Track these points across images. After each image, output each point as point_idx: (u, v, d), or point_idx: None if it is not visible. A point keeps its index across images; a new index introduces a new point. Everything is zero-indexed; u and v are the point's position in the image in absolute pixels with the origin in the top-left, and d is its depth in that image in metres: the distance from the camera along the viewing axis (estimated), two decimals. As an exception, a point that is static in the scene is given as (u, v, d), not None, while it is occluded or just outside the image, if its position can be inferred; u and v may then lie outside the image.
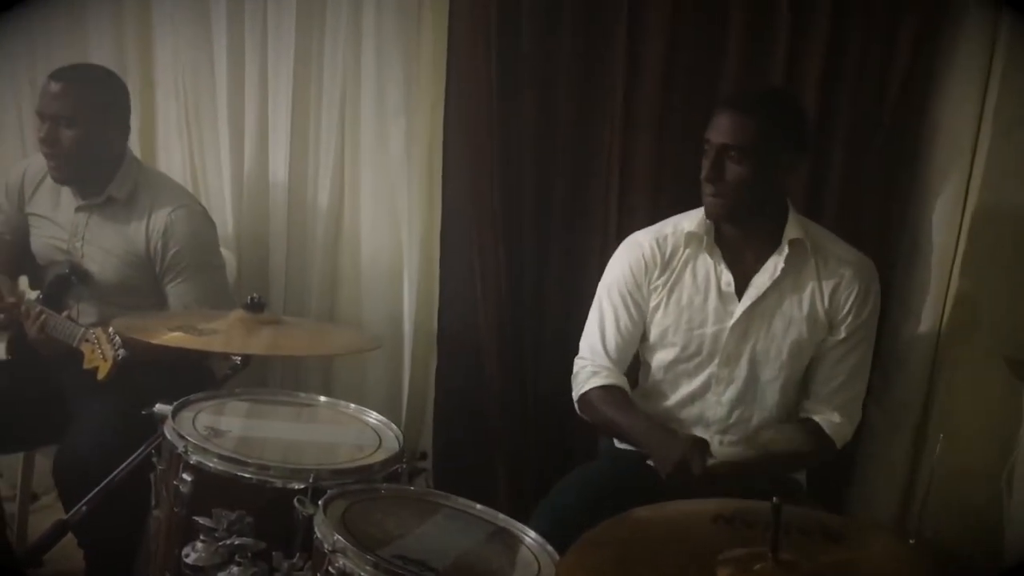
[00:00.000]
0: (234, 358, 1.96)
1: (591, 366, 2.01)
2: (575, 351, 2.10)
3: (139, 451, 1.71)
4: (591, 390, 1.98)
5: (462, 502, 1.56)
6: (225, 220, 2.66)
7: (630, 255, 2.01)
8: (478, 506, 1.55)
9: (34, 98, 2.71)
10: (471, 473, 2.54)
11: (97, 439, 2.07)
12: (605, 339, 2.01)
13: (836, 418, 1.92)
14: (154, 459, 1.80)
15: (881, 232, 2.18)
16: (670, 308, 1.96)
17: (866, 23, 2.11)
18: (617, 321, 2.01)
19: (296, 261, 2.70)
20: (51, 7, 2.74)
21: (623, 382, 2.00)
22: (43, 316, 2.13)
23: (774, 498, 1.16)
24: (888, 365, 2.17)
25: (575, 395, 2.03)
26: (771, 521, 1.15)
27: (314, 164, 2.65)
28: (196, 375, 2.35)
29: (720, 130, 1.83)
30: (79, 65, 2.35)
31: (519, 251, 2.47)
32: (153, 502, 1.76)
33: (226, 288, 2.45)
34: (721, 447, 1.91)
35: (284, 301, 2.69)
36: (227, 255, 2.54)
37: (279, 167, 2.66)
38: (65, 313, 2.19)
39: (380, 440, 1.73)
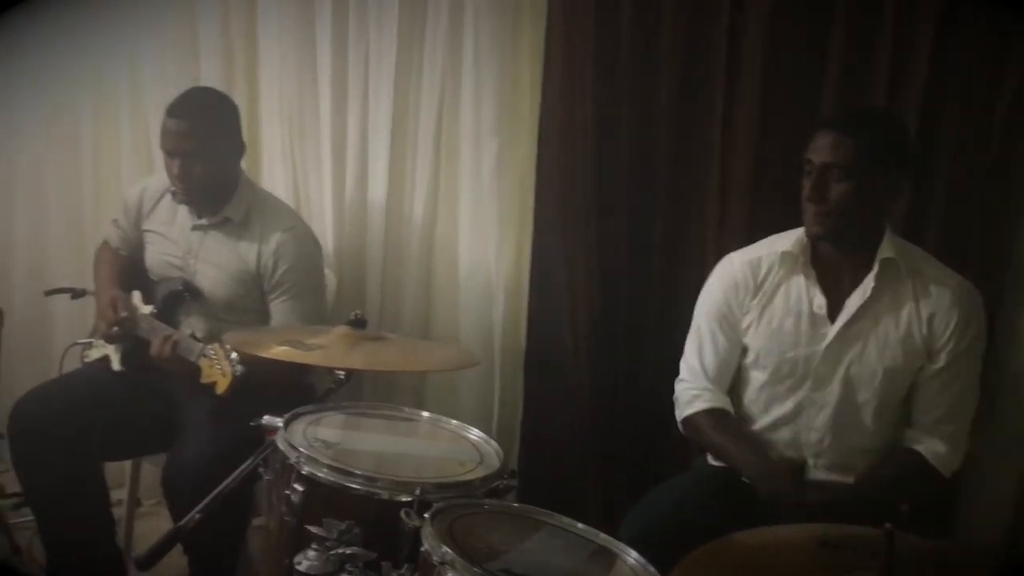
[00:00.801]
0: (338, 373, 2.01)
1: (693, 388, 2.03)
2: (666, 371, 2.11)
3: (250, 461, 1.77)
4: (695, 414, 2.00)
5: (564, 520, 1.58)
6: (325, 239, 2.74)
7: (724, 276, 2.02)
8: (579, 525, 1.57)
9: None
10: (559, 491, 2.56)
11: (205, 449, 2.15)
12: (704, 361, 2.02)
13: (941, 448, 1.88)
14: (260, 469, 1.87)
15: (987, 257, 2.14)
16: (761, 330, 1.96)
17: (971, 43, 2.08)
18: (715, 343, 2.02)
19: (392, 278, 2.76)
20: (164, 34, 2.87)
21: (725, 403, 2.01)
22: (174, 337, 2.22)
23: (887, 524, 1.15)
24: (996, 394, 2.11)
25: (679, 417, 2.05)
26: (882, 548, 1.14)
27: (411, 184, 2.72)
28: (297, 389, 2.44)
29: (822, 150, 1.82)
30: (193, 93, 2.43)
31: (611, 270, 2.49)
32: (262, 511, 1.82)
33: (325, 307, 2.53)
34: (815, 471, 1.90)
35: (380, 317, 2.75)
36: (327, 273, 2.62)
37: (378, 187, 2.73)
38: (190, 332, 2.27)
39: (481, 456, 1.76)
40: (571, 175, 2.47)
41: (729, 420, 1.99)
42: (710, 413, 1.99)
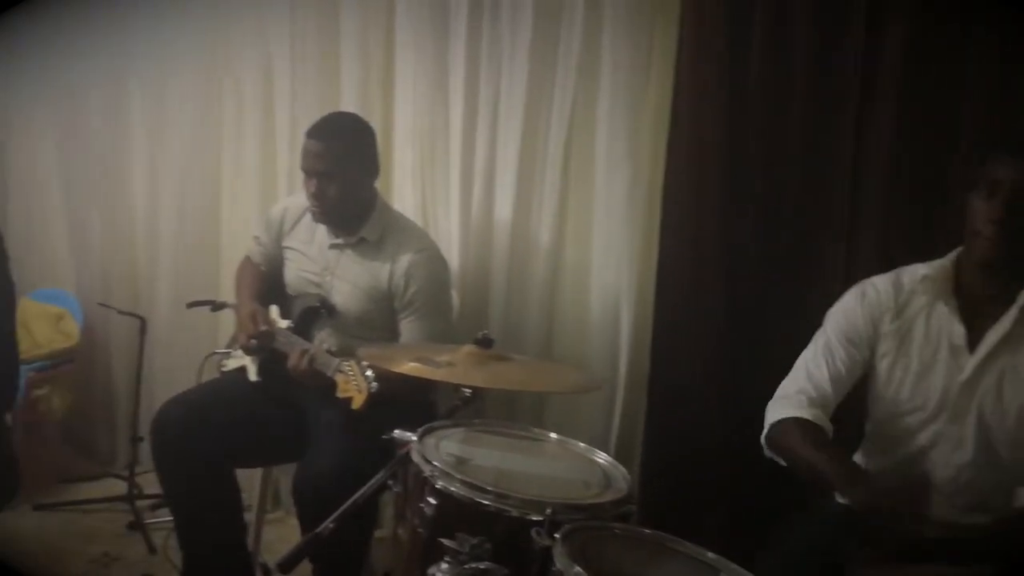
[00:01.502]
0: (464, 390, 2.05)
1: (791, 395, 1.92)
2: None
3: (383, 473, 1.82)
4: (784, 419, 1.86)
5: (694, 548, 1.56)
6: (451, 260, 2.79)
7: (864, 294, 1.94)
8: (709, 554, 1.55)
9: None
10: (676, 518, 2.53)
11: (336, 460, 2.22)
12: (817, 370, 1.91)
13: None
14: (390, 482, 1.92)
15: None
16: (898, 358, 1.88)
17: None
18: (832, 355, 1.92)
19: (516, 299, 2.79)
20: (306, 58, 2.99)
21: (822, 420, 1.86)
22: (311, 351, 2.31)
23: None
24: None
25: (766, 422, 1.92)
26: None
27: (538, 206, 2.75)
28: (421, 405, 2.50)
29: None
30: (332, 118, 2.53)
31: (738, 298, 2.47)
32: (387, 522, 1.86)
33: (451, 326, 2.58)
34: (951, 512, 1.82)
35: (502, 338, 2.79)
36: (452, 294, 2.68)
37: (504, 209, 2.77)
38: (325, 347, 2.36)
39: (608, 480, 1.76)
40: (699, 200, 2.47)
41: (822, 434, 1.83)
42: (802, 424, 1.82)
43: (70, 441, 3.48)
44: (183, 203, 3.24)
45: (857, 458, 1.99)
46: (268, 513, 2.94)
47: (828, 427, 1.87)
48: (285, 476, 2.96)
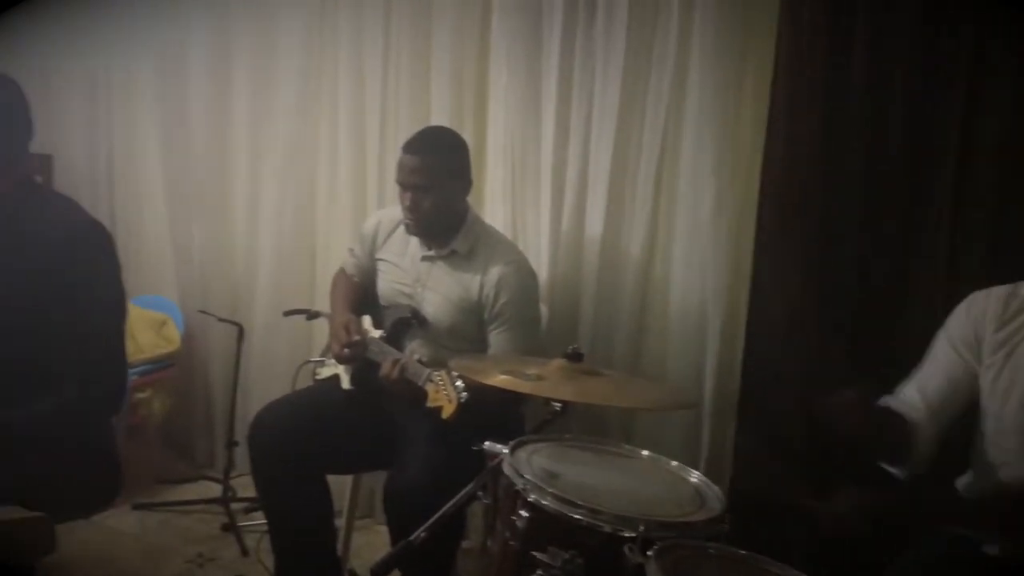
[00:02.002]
0: (554, 404, 2.05)
1: (897, 393, 1.89)
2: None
3: (473, 484, 1.84)
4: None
5: (791, 572, 1.54)
6: (540, 273, 2.80)
7: (974, 301, 1.90)
8: (805, 576, 1.52)
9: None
10: (764, 541, 2.48)
11: (426, 470, 2.24)
12: (928, 382, 1.89)
13: None
14: (479, 493, 1.93)
15: None
16: (1003, 372, 1.82)
17: None
18: (937, 358, 1.89)
19: (604, 313, 2.78)
20: (399, 72, 3.04)
21: (908, 411, 1.85)
22: (402, 361, 2.35)
23: None
24: None
25: None
26: None
27: (628, 222, 2.74)
28: (510, 417, 2.51)
29: None
30: (428, 132, 2.58)
31: (832, 318, 2.41)
32: (474, 533, 1.88)
33: (540, 339, 2.59)
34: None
35: (590, 352, 2.78)
36: (541, 307, 2.69)
37: (595, 222, 2.77)
38: (416, 357, 2.39)
39: (702, 500, 1.74)
40: (793, 218, 2.43)
41: (897, 418, 1.82)
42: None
43: (169, 443, 3.60)
44: (281, 216, 3.33)
45: (966, 478, 1.92)
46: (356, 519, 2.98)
47: (915, 418, 1.85)
48: (374, 483, 3.02)
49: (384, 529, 2.95)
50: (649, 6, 2.63)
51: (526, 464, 1.75)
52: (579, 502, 1.60)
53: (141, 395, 3.26)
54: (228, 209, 3.44)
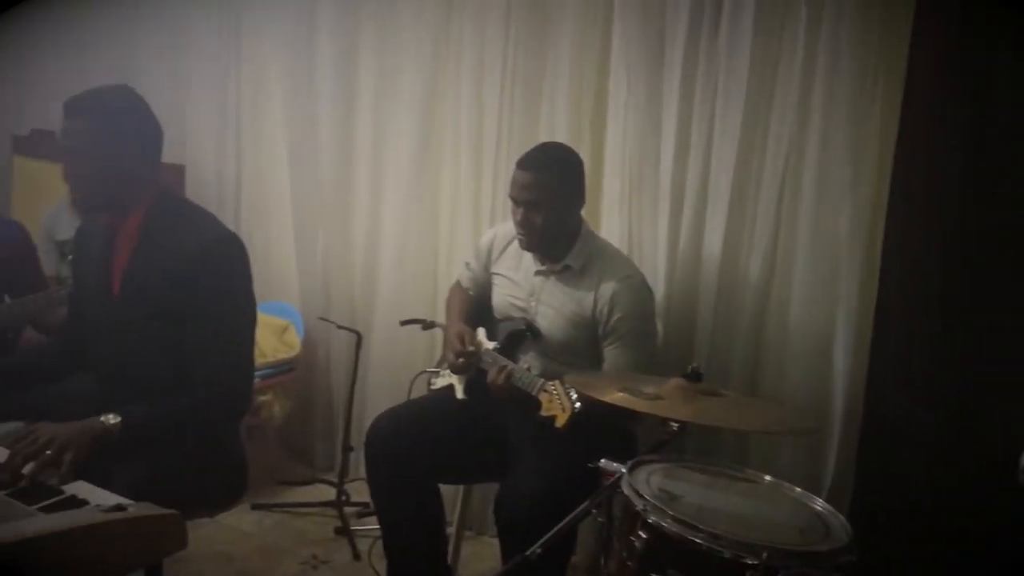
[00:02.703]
0: (671, 424, 2.02)
1: None
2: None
3: (589, 501, 1.83)
4: None
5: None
6: (656, 288, 2.77)
7: None
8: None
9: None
10: (887, 571, 2.39)
11: (539, 484, 2.25)
12: None
13: None
14: (593, 511, 1.92)
15: None
16: None
17: None
18: None
19: (721, 333, 2.73)
20: (515, 84, 3.07)
21: None
22: (508, 368, 2.37)
23: None
24: None
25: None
26: None
27: (748, 240, 2.68)
28: (623, 436, 2.49)
29: None
30: (542, 148, 2.57)
31: (962, 345, 2.31)
32: (598, 551, 1.86)
33: (655, 356, 2.56)
34: None
35: (707, 371, 2.73)
36: (656, 323, 2.65)
37: (714, 239, 2.72)
38: (526, 366, 2.41)
39: (827, 528, 1.69)
40: (925, 239, 2.34)
41: None
42: None
43: (287, 446, 3.71)
44: (404, 228, 3.38)
45: None
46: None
47: None
48: (483, 494, 3.04)
49: (492, 541, 3.00)
50: (775, 17, 2.57)
51: (645, 484, 1.73)
52: (700, 526, 1.58)
53: (263, 398, 3.36)
54: (350, 220, 3.52)
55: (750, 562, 1.51)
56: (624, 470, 1.78)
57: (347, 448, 3.25)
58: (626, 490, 1.71)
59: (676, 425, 2.00)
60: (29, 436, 1.84)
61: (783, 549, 1.55)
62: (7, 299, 2.71)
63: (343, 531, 3.11)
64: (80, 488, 1.75)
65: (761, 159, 2.64)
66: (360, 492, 3.27)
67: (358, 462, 3.34)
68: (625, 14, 2.81)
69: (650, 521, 1.62)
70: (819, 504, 1.79)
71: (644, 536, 1.62)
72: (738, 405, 2.05)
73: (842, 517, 1.73)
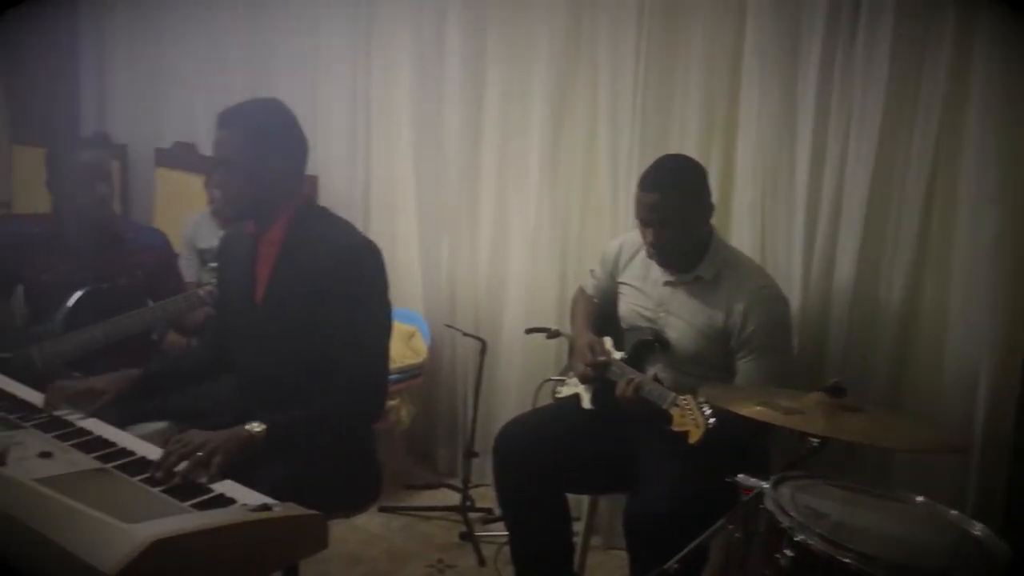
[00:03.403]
0: (812, 440, 1.96)
1: None
2: None
3: (727, 517, 1.79)
4: None
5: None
6: (791, 300, 2.68)
7: None
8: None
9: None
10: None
11: (671, 497, 2.21)
12: None
13: None
14: (730, 527, 1.87)
15: None
16: None
17: None
18: None
19: (858, 346, 2.63)
20: (647, 88, 3.03)
21: None
22: (637, 380, 2.34)
23: None
24: None
25: None
26: None
27: (890, 249, 2.58)
28: (756, 451, 2.42)
29: None
30: (662, 166, 2.49)
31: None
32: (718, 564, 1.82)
33: (789, 370, 2.48)
34: None
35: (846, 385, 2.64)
36: (792, 335, 2.58)
37: (850, 250, 2.62)
38: (652, 374, 2.38)
39: (986, 555, 1.60)
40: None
41: None
42: None
43: (412, 450, 3.77)
44: (533, 237, 3.39)
45: None
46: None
47: None
48: (609, 504, 3.01)
49: (619, 553, 2.97)
50: (918, 20, 2.47)
51: (790, 501, 1.68)
52: (849, 545, 1.52)
53: (390, 402, 3.42)
54: (476, 228, 3.55)
55: (902, 585, 1.45)
56: (767, 485, 1.73)
57: (471, 454, 3.28)
58: (770, 506, 1.66)
59: (816, 441, 1.94)
60: (183, 439, 1.92)
61: (936, 572, 1.47)
62: (150, 303, 2.84)
63: (468, 536, 3.14)
64: (227, 487, 1.82)
65: (904, 168, 2.54)
66: (484, 498, 3.30)
67: (481, 468, 3.38)
68: (759, 16, 2.75)
69: (797, 539, 1.56)
70: (978, 528, 1.70)
71: (790, 554, 1.57)
72: (883, 422, 1.97)
73: (1004, 543, 1.64)
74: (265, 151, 2.10)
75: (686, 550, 1.75)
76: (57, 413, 2.16)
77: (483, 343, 3.26)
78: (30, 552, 1.55)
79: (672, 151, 2.73)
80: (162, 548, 1.43)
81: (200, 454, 1.87)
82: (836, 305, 2.68)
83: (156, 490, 1.77)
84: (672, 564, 1.75)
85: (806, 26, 2.66)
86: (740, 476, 1.88)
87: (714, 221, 2.54)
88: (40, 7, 5.34)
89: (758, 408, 1.93)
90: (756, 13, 2.76)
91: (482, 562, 3.03)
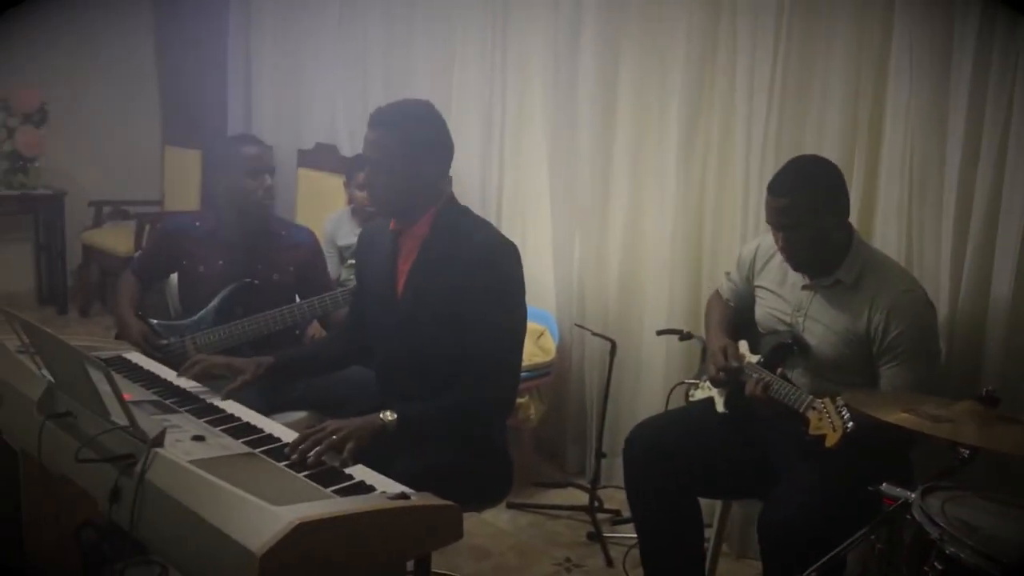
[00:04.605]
0: (962, 451, 1.87)
1: None
2: None
3: (870, 526, 1.73)
4: None
5: None
6: (939, 307, 2.56)
7: None
8: None
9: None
10: None
11: (806, 504, 2.15)
12: None
13: None
14: (872, 536, 1.80)
15: None
16: None
17: None
18: None
19: (1016, 358, 2.48)
20: (786, 83, 2.95)
21: None
22: (766, 379, 2.29)
23: None
24: None
25: None
26: None
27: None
28: (897, 459, 2.32)
29: None
30: (791, 169, 2.38)
31: None
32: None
33: (936, 376, 2.37)
34: None
35: (1003, 395, 2.50)
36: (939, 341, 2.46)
37: (1007, 253, 2.48)
38: (779, 373, 2.32)
39: None
40: None
41: None
42: None
43: (541, 448, 3.79)
44: (669, 238, 3.36)
45: None
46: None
47: None
48: (742, 512, 2.95)
49: (749, 562, 2.92)
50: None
51: (940, 512, 1.60)
52: (1004, 560, 1.44)
53: (520, 400, 3.45)
54: (608, 229, 3.55)
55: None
56: (914, 495, 1.66)
57: (599, 454, 3.27)
58: (919, 517, 1.60)
59: (967, 452, 1.85)
60: (319, 427, 1.99)
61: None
62: (298, 299, 2.95)
63: (596, 537, 3.13)
64: (365, 474, 1.87)
65: None
66: (612, 499, 3.29)
67: (609, 469, 3.37)
68: (908, 8, 2.64)
69: (947, 552, 1.50)
70: None
71: (939, 567, 1.50)
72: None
73: None
74: (416, 154, 2.17)
75: (824, 559, 1.69)
76: (193, 389, 2.29)
77: (612, 343, 3.25)
78: (182, 529, 1.63)
79: (808, 152, 2.65)
80: (306, 530, 1.49)
81: (334, 438, 1.94)
82: (992, 311, 2.54)
83: (301, 475, 1.84)
84: (809, 573, 1.69)
85: (959, 11, 2.53)
86: (884, 485, 1.81)
87: (857, 223, 2.45)
88: (194, 20, 5.67)
89: (903, 415, 1.86)
90: (905, 5, 2.65)
91: (610, 563, 3.02)
